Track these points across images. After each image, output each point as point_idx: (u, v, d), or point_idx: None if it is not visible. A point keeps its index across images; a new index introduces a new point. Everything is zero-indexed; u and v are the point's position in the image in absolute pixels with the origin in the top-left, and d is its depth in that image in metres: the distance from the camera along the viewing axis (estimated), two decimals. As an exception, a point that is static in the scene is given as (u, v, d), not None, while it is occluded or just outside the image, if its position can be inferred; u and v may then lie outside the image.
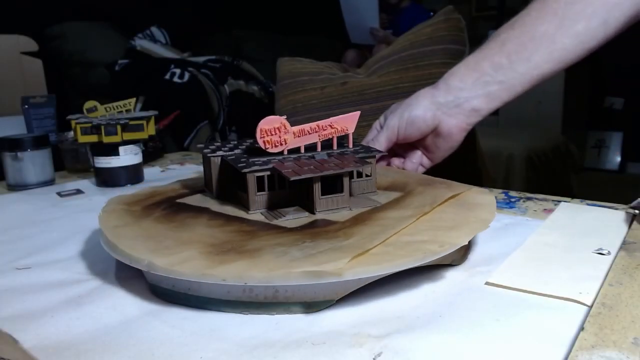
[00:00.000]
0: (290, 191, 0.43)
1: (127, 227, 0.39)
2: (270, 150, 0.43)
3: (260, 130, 0.42)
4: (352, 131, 0.47)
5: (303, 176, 0.38)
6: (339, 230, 0.36)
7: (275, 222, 0.39)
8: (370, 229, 0.36)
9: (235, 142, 0.50)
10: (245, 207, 0.42)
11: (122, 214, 0.42)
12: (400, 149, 0.64)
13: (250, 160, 0.42)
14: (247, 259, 0.32)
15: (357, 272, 0.31)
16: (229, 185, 0.46)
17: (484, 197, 0.44)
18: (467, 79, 0.57)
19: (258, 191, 0.42)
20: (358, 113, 0.46)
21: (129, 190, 0.68)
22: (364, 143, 0.59)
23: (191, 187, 0.51)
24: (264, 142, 0.42)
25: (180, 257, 0.33)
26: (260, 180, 0.42)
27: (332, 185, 0.41)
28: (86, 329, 0.31)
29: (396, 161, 0.65)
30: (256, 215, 0.41)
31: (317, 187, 0.40)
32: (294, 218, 0.40)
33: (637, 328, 0.28)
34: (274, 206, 0.42)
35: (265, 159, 0.43)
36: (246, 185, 0.41)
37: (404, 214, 0.39)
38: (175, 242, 0.35)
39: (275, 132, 0.42)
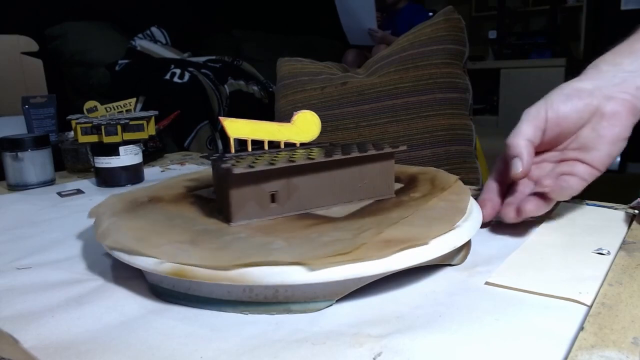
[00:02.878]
0: None
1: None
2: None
3: None
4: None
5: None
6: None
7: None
8: None
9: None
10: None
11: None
12: (542, 159, 0.47)
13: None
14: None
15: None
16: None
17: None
18: (623, 61, 0.45)
19: None
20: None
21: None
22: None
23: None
24: None
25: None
26: None
27: None
28: (86, 329, 0.31)
29: (525, 185, 0.46)
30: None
31: None
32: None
33: (637, 328, 0.28)
34: None
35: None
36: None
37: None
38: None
39: None
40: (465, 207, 0.39)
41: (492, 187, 0.47)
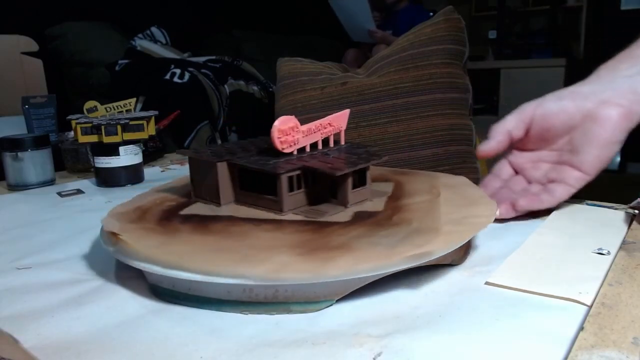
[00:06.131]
0: (315, 188, 0.43)
1: (169, 245, 0.35)
2: (285, 151, 0.43)
3: (278, 130, 0.42)
4: (344, 128, 0.48)
5: (345, 171, 0.40)
6: (391, 218, 0.38)
7: (321, 219, 0.39)
8: (415, 214, 0.39)
9: (228, 146, 0.49)
10: (275, 209, 0.41)
11: (143, 233, 0.38)
12: (528, 160, 0.50)
13: (272, 161, 0.42)
14: (348, 254, 0.32)
15: (446, 249, 0.33)
16: (236, 191, 0.45)
17: (458, 180, 0.48)
18: (621, 66, 0.46)
19: (289, 191, 0.41)
20: (348, 111, 0.47)
21: (129, 190, 0.68)
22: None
23: (171, 198, 0.47)
24: (280, 142, 0.42)
25: (276, 262, 0.31)
26: (290, 180, 0.41)
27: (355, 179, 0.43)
28: (86, 329, 0.31)
29: (517, 182, 0.50)
30: (290, 215, 0.41)
31: (350, 181, 0.41)
32: (336, 212, 0.40)
33: (637, 328, 0.28)
34: (301, 204, 0.43)
35: (283, 159, 0.43)
36: (279, 187, 0.41)
37: (424, 198, 0.43)
38: (254, 249, 0.33)
39: (290, 132, 0.43)
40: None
41: (488, 182, 0.51)
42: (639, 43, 0.48)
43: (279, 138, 0.42)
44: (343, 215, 0.40)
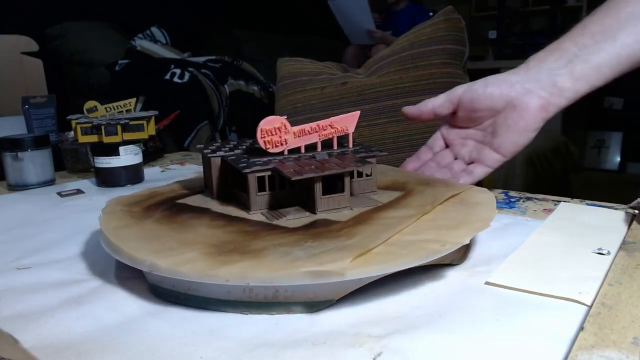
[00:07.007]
0: (291, 191, 0.43)
1: (128, 228, 0.39)
2: (270, 151, 0.43)
3: (261, 130, 0.42)
4: (352, 131, 0.47)
5: (304, 176, 0.38)
6: (341, 230, 0.36)
7: (276, 222, 0.39)
8: (372, 229, 0.36)
9: (235, 142, 0.51)
10: (246, 207, 0.42)
11: (122, 215, 0.42)
12: (457, 136, 0.55)
13: (251, 160, 0.42)
14: (249, 260, 0.32)
15: (360, 272, 0.31)
16: (229, 186, 0.46)
17: (484, 196, 0.44)
18: (549, 58, 0.50)
19: (259, 191, 0.42)
20: (358, 113, 0.46)
21: (129, 191, 0.68)
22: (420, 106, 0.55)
23: (190, 187, 0.51)
24: (264, 142, 0.42)
25: (182, 258, 0.32)
26: (261, 180, 0.42)
27: (333, 184, 0.41)
28: (86, 329, 0.31)
29: (445, 156, 0.55)
30: (257, 215, 0.41)
31: (318, 186, 0.40)
32: (294, 218, 0.40)
33: (637, 328, 0.28)
34: (275, 206, 0.42)
35: (265, 159, 0.43)
36: (247, 186, 0.41)
37: (406, 214, 0.39)
38: (178, 243, 0.35)
39: (276, 132, 0.42)
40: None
41: (420, 153, 0.58)
42: (568, 35, 0.51)
43: (262, 138, 0.42)
44: (301, 221, 0.39)
